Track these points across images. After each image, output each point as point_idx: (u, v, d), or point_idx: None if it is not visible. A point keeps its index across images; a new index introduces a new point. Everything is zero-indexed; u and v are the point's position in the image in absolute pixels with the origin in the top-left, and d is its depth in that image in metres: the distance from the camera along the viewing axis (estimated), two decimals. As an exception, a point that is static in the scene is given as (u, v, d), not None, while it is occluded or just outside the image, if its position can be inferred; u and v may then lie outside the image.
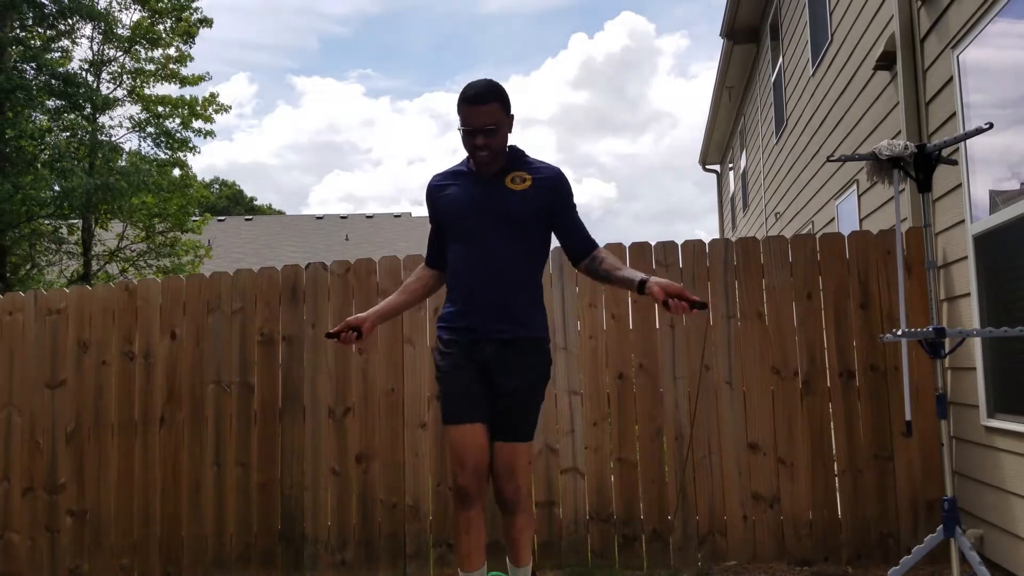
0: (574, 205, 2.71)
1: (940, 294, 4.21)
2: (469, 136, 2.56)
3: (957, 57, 3.91)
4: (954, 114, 3.95)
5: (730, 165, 15.25)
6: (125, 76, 14.01)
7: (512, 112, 2.64)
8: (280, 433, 4.46)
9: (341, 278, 4.54)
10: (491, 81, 2.59)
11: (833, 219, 6.88)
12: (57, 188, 12.27)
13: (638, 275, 2.52)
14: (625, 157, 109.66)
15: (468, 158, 2.70)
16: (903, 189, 4.51)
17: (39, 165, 12.47)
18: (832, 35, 6.72)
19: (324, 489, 4.40)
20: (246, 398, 4.49)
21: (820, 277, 4.29)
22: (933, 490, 4.08)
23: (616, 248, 4.38)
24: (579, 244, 2.70)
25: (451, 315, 2.67)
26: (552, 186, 2.65)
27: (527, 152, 2.73)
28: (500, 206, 2.60)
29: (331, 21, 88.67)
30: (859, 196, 6.02)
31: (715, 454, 4.23)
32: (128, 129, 14.24)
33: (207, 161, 77.99)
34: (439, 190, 2.74)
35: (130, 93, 14.03)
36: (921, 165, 3.53)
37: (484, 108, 2.53)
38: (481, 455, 2.57)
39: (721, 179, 16.79)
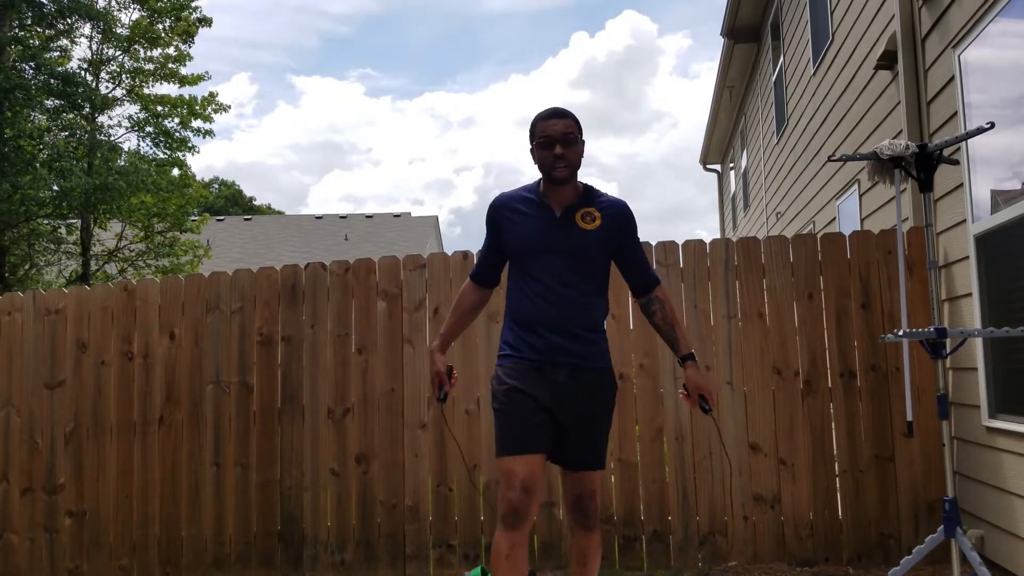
0: (638, 240, 2.78)
1: (941, 294, 4.20)
2: (547, 146, 2.61)
3: (958, 57, 3.90)
4: (955, 114, 3.94)
5: (731, 165, 15.24)
6: (124, 75, 13.98)
7: (584, 139, 2.70)
8: (279, 433, 4.44)
9: (340, 278, 4.52)
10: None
11: (834, 219, 6.87)
12: (56, 188, 12.25)
13: (684, 348, 2.71)
14: (626, 157, 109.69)
15: (538, 183, 2.73)
16: (904, 189, 4.50)
17: (38, 165, 12.44)
18: (833, 34, 6.71)
19: (323, 489, 4.39)
20: (245, 398, 4.48)
21: (821, 277, 4.28)
22: (934, 490, 4.07)
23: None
24: (640, 280, 2.79)
25: (519, 342, 2.67)
26: (621, 223, 2.71)
27: (594, 186, 2.78)
28: (573, 245, 2.64)
29: (332, 20, 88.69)
30: (860, 196, 6.01)
31: (716, 455, 4.22)
32: (127, 129, 14.21)
33: (206, 161, 77.96)
34: (508, 213, 2.74)
35: (129, 92, 14.00)
36: (922, 165, 3.52)
37: (563, 120, 2.63)
38: (533, 476, 2.52)
39: (722, 179, 16.78)
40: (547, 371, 2.62)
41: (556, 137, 2.61)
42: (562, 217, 2.67)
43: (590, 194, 2.74)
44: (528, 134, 2.70)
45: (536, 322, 2.64)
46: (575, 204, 2.69)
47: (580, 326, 2.65)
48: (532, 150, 2.68)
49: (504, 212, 2.75)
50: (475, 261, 2.92)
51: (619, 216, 2.71)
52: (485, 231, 2.85)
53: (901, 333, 3.30)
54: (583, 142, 2.69)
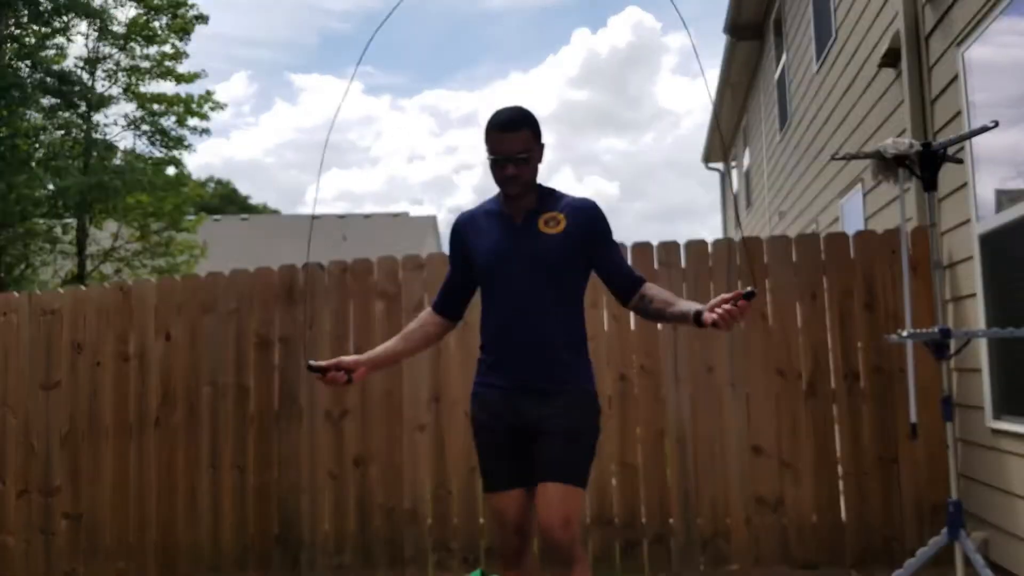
0: (613, 241, 2.55)
1: (946, 294, 4.16)
2: (498, 166, 2.41)
3: (962, 55, 3.87)
4: (959, 112, 3.91)
5: (733, 163, 15.22)
6: (120, 73, 13.95)
7: (543, 141, 2.50)
8: (277, 436, 4.41)
9: (338, 278, 4.48)
10: (521, 108, 2.46)
11: (837, 218, 6.84)
12: (51, 187, 12.22)
13: (692, 307, 2.32)
14: (628, 155, 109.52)
15: (499, 195, 2.54)
16: (908, 188, 4.47)
17: (33, 164, 12.42)
18: (836, 32, 6.68)
19: (321, 492, 4.35)
20: (242, 400, 4.44)
21: (824, 277, 4.24)
22: (938, 493, 4.03)
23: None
24: (624, 283, 2.53)
25: (487, 369, 2.51)
26: (588, 225, 2.49)
27: (556, 188, 2.57)
28: (535, 252, 2.43)
29: (331, 17, 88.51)
30: (864, 195, 5.98)
31: (718, 457, 4.18)
32: (123, 127, 14.18)
33: (203, 159, 78.10)
34: (469, 230, 2.56)
35: (125, 90, 13.97)
36: (926, 164, 3.50)
37: (515, 135, 2.39)
38: (521, 514, 2.45)
39: (724, 178, 16.75)
40: (513, 403, 2.42)
41: (507, 156, 2.39)
42: (523, 224, 2.47)
43: (552, 197, 2.53)
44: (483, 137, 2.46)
45: (502, 346, 2.46)
46: (536, 209, 2.49)
47: (552, 345, 2.44)
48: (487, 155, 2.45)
49: (464, 230, 2.57)
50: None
51: (584, 215, 2.48)
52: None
53: (905, 334, 3.27)
54: (541, 147, 2.48)
